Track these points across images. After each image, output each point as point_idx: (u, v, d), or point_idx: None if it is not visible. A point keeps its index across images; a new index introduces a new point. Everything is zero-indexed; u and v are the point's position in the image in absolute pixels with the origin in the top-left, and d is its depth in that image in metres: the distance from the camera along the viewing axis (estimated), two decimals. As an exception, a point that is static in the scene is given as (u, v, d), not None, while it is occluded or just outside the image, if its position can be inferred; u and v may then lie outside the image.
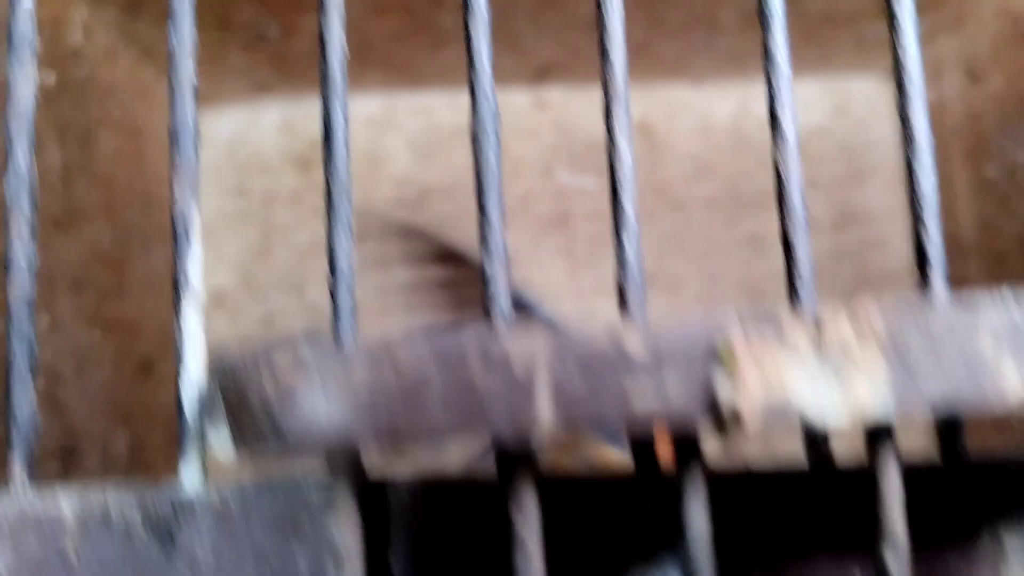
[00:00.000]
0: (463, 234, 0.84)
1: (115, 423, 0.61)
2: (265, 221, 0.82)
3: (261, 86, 0.78)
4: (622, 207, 0.27)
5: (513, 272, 0.86)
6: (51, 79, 0.55)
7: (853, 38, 0.75)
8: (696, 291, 0.83)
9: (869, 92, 0.86)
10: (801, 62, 0.82)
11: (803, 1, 0.67)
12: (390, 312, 0.79)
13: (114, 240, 0.63)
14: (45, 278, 0.52)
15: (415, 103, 0.84)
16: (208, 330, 0.82)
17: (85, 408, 0.56)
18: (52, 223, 0.54)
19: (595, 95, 0.92)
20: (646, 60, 0.78)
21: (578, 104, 0.85)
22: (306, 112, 0.83)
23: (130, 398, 0.64)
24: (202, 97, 0.88)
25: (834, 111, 0.86)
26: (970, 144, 0.74)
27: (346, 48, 0.29)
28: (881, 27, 0.74)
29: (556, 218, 0.84)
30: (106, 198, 0.62)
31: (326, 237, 0.25)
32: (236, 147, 0.82)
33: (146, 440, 0.67)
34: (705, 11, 0.69)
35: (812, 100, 0.86)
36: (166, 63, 0.73)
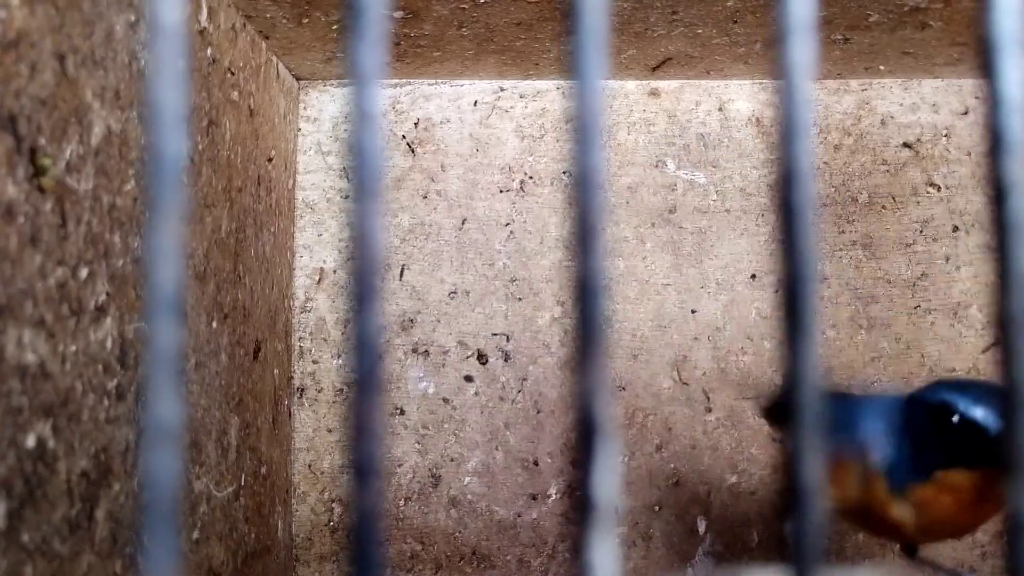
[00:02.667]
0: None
1: (229, 412, 0.61)
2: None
3: (373, 66, 0.77)
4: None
5: (616, 264, 0.83)
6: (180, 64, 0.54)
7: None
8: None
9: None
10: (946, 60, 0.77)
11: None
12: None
13: (231, 226, 0.62)
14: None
15: (528, 89, 0.82)
16: (309, 309, 0.81)
17: (204, 402, 0.56)
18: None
19: (713, 87, 0.88)
20: (770, 53, 0.74)
21: (695, 96, 0.82)
22: (413, 94, 0.82)
23: (241, 385, 0.64)
24: (312, 76, 0.87)
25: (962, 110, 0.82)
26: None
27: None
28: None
29: (664, 211, 0.81)
30: (226, 183, 0.61)
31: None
32: (342, 127, 0.81)
33: (253, 423, 0.67)
34: (850, 8, 0.65)
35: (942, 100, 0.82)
36: (282, 41, 0.71)
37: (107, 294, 0.44)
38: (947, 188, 0.82)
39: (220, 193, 0.60)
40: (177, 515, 0.14)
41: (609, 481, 0.14)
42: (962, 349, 0.80)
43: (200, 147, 0.57)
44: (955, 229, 0.81)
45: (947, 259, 0.81)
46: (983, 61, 0.15)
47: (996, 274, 0.15)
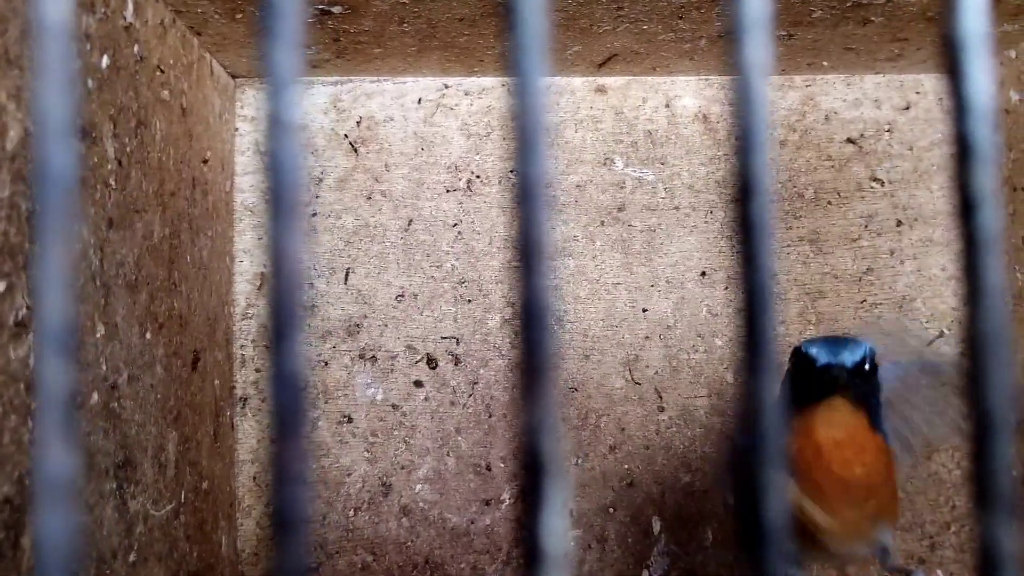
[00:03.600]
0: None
1: (166, 427, 0.58)
2: (310, 203, 0.79)
3: (312, 63, 0.74)
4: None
5: (567, 263, 0.83)
6: (104, 62, 0.51)
7: (940, 34, 0.71)
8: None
9: (940, 88, 0.83)
10: (875, 58, 0.77)
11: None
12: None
13: (164, 231, 0.59)
14: (101, 283, 0.49)
15: (473, 86, 0.80)
16: (251, 316, 0.79)
17: (139, 417, 0.53)
18: (107, 222, 0.50)
19: (660, 84, 0.88)
20: (715, 48, 0.73)
21: (641, 93, 0.81)
22: (354, 92, 0.79)
23: (178, 398, 0.61)
24: (249, 74, 0.84)
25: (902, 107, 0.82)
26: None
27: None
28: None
29: (613, 209, 0.81)
30: (158, 187, 0.59)
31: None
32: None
33: (192, 437, 0.64)
34: (794, 4, 0.64)
35: (881, 96, 0.82)
36: (214, 37, 0.69)
37: (27, 308, 0.41)
38: (890, 183, 0.83)
39: (151, 197, 0.57)
40: (72, 580, 0.13)
41: (559, 527, 0.12)
42: (907, 343, 0.81)
43: (128, 149, 0.54)
44: (899, 224, 0.82)
45: (891, 253, 0.82)
46: (948, 64, 0.14)
47: (966, 290, 0.14)
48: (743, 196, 0.13)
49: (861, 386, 0.51)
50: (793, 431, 0.51)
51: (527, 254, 0.14)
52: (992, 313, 0.13)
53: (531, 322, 0.13)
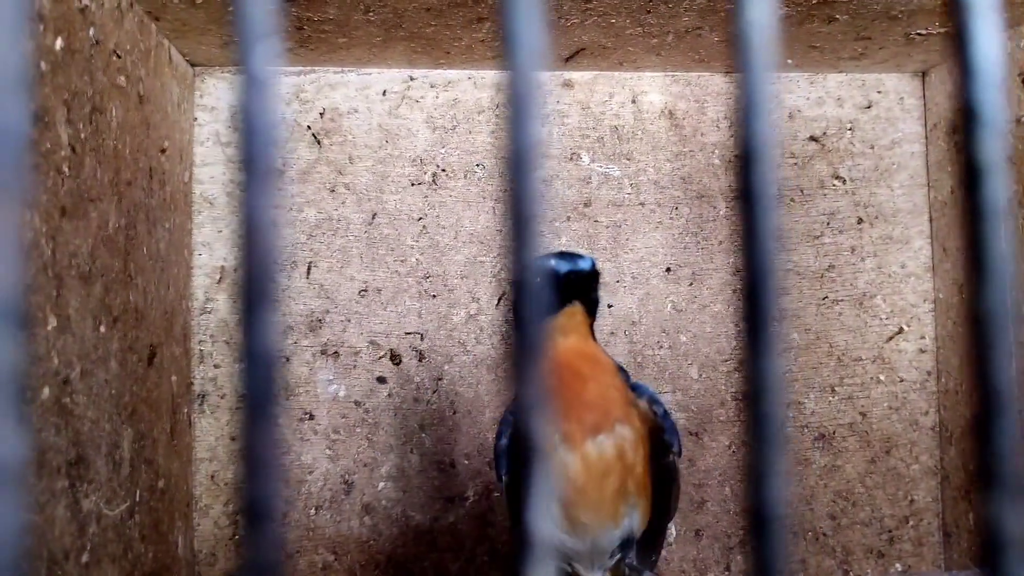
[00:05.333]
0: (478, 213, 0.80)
1: (120, 423, 0.56)
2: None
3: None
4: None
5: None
6: (58, 44, 0.49)
7: (902, 33, 0.72)
8: (719, 283, 0.80)
9: (901, 88, 0.84)
10: (839, 57, 0.78)
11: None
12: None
13: (120, 222, 0.58)
14: (53, 274, 0.47)
15: (439, 78, 0.79)
16: (209, 310, 0.77)
17: (92, 414, 0.51)
18: (59, 210, 0.48)
19: (627, 79, 0.87)
20: (682, 44, 0.73)
21: (608, 88, 0.81)
22: (318, 83, 0.78)
23: (134, 393, 0.59)
24: (209, 62, 0.82)
25: (865, 105, 0.83)
26: (1020, 148, 0.72)
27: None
28: (929, 23, 0.70)
29: (579, 204, 0.80)
30: (113, 175, 0.57)
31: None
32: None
33: (148, 435, 0.62)
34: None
35: (844, 94, 0.83)
36: (174, 23, 0.67)
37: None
38: (852, 181, 0.83)
39: (106, 186, 0.55)
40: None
41: (547, 513, 0.12)
42: (867, 338, 0.82)
43: (83, 135, 0.52)
44: (859, 221, 0.83)
45: (852, 250, 0.83)
46: (954, 27, 0.13)
47: (968, 265, 0.13)
48: (746, 163, 0.12)
49: (594, 291, 0.57)
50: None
51: (518, 229, 0.13)
52: (997, 290, 0.13)
53: (522, 298, 0.12)
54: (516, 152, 0.12)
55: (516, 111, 0.13)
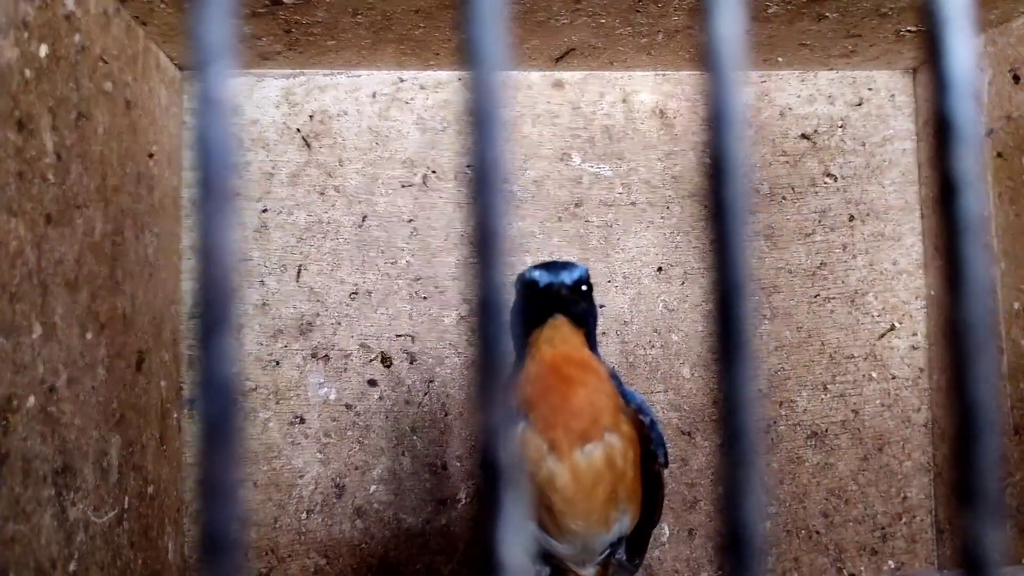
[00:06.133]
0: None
1: (108, 430, 0.56)
2: (261, 199, 0.77)
3: (263, 55, 0.72)
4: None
5: (524, 259, 0.83)
6: (43, 51, 0.49)
7: (892, 30, 0.72)
8: (711, 283, 0.80)
9: (891, 85, 0.84)
10: (828, 54, 0.78)
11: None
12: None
13: (107, 228, 0.57)
14: (38, 281, 0.47)
15: (429, 80, 0.79)
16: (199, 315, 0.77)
17: (79, 421, 0.51)
18: (45, 217, 0.48)
19: (617, 79, 0.87)
20: (672, 43, 0.73)
21: (599, 88, 0.81)
22: (307, 85, 0.78)
23: (122, 400, 0.59)
24: (191, 60, 0.82)
25: (855, 103, 0.83)
26: (1010, 145, 0.72)
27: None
28: (919, 19, 0.70)
29: (570, 204, 0.80)
30: (100, 182, 0.56)
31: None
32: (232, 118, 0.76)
33: (137, 441, 0.62)
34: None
35: (835, 91, 0.83)
36: (161, 27, 0.66)
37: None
38: (843, 178, 0.83)
39: (93, 192, 0.55)
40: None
41: (517, 537, 0.11)
42: (859, 335, 0.82)
43: (68, 142, 0.52)
44: (851, 218, 0.83)
45: (844, 248, 0.83)
46: (928, 39, 0.13)
47: (944, 278, 0.13)
48: (717, 179, 0.12)
49: (579, 304, 0.55)
50: (526, 355, 0.54)
51: (484, 248, 0.13)
52: (975, 302, 0.12)
53: (488, 313, 0.12)
54: (481, 164, 0.12)
55: (479, 121, 0.12)
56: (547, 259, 0.80)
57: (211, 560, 0.10)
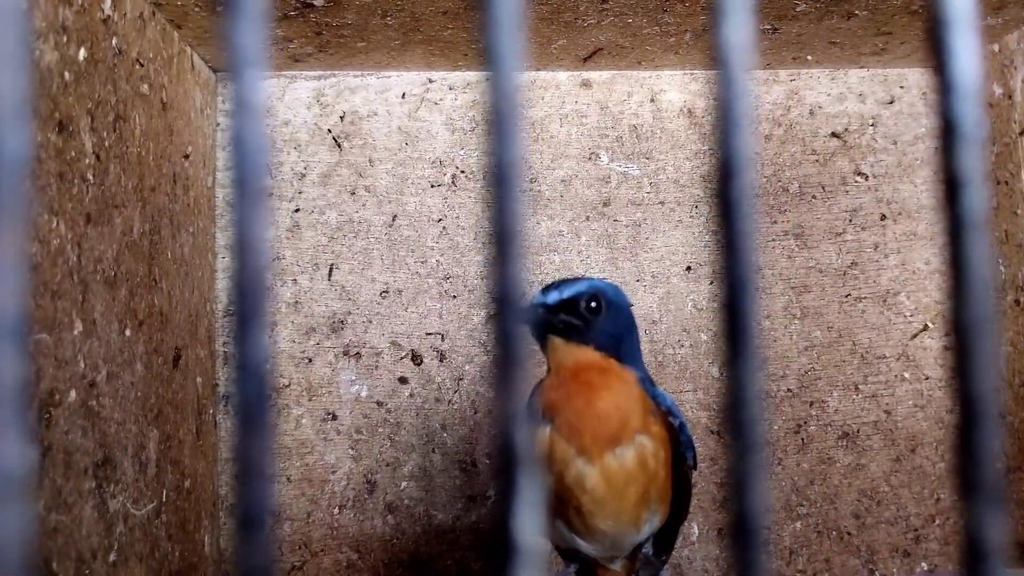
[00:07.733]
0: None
1: (146, 425, 0.58)
2: (293, 199, 0.78)
3: (295, 57, 0.73)
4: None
5: (552, 258, 0.83)
6: (81, 55, 0.50)
7: (923, 27, 0.71)
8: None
9: (923, 83, 0.83)
10: (859, 52, 0.77)
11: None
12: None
13: (144, 227, 0.59)
14: (79, 279, 0.48)
15: (458, 80, 0.80)
16: (234, 313, 0.79)
17: (118, 416, 0.53)
18: (84, 217, 0.49)
19: (645, 78, 0.87)
20: (699, 42, 0.73)
21: (626, 87, 0.81)
22: (338, 87, 0.79)
23: (159, 395, 0.61)
24: (225, 65, 0.83)
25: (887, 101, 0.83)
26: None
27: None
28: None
29: (598, 203, 0.80)
30: (137, 182, 0.58)
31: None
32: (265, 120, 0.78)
33: (174, 435, 0.63)
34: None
35: (866, 90, 0.83)
36: (195, 30, 0.68)
37: None
38: (874, 177, 0.83)
39: (130, 192, 0.57)
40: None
41: (531, 521, 0.12)
42: (891, 335, 0.82)
43: (107, 143, 0.53)
44: (883, 217, 0.82)
45: (876, 247, 0.82)
46: (932, 41, 0.13)
47: (950, 277, 0.14)
48: (726, 179, 0.12)
49: (570, 321, 0.52)
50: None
51: (501, 247, 0.13)
52: (977, 301, 0.13)
53: (504, 307, 0.12)
54: (498, 166, 0.13)
55: (497, 123, 0.13)
56: (575, 258, 0.80)
57: (245, 534, 0.11)
